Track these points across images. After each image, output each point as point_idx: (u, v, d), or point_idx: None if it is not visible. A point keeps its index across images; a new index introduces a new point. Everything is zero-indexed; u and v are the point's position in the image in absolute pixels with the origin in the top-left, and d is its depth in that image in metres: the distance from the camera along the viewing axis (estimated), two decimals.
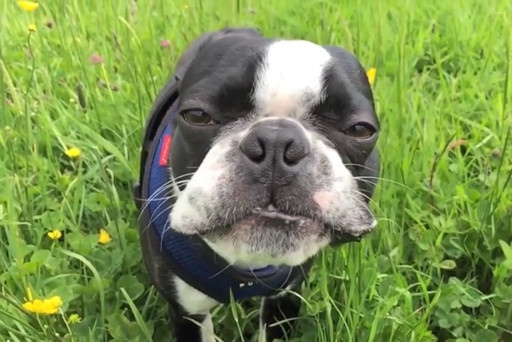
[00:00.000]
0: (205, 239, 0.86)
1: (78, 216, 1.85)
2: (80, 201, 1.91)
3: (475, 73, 3.07)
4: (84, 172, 2.04)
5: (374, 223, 0.88)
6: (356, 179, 0.86)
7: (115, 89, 2.33)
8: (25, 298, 1.34)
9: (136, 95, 2.27)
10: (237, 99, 0.86)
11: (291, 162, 0.78)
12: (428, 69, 3.16)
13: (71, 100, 2.18)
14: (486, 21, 3.60)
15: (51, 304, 1.22)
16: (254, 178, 0.77)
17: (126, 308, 1.52)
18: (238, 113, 0.86)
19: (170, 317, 1.50)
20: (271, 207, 0.77)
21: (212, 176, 0.80)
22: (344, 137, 0.89)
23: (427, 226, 1.88)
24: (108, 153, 2.11)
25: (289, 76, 0.85)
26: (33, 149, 1.70)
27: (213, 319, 1.61)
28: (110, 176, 1.86)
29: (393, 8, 4.03)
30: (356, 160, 0.90)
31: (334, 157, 0.84)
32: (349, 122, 0.88)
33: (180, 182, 0.88)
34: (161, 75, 2.81)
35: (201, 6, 3.14)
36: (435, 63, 3.14)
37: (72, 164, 2.06)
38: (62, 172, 2.13)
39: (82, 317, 1.41)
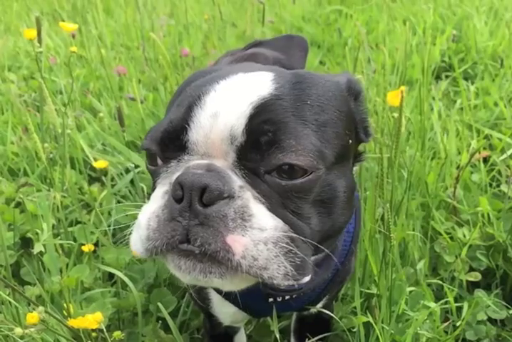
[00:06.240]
0: None
1: (109, 226, 1.89)
2: (109, 214, 1.94)
3: (493, 80, 3.07)
4: (112, 184, 2.08)
5: (305, 279, 0.89)
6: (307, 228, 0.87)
7: (141, 102, 2.36)
8: (65, 312, 1.39)
9: (161, 107, 2.31)
10: (174, 141, 0.90)
11: (207, 204, 0.82)
12: (447, 77, 3.16)
13: (100, 114, 2.22)
14: (503, 27, 3.60)
15: (94, 320, 1.25)
16: (173, 217, 0.83)
17: (160, 321, 1.56)
18: (175, 154, 0.91)
19: (204, 327, 1.53)
20: (184, 246, 0.83)
21: (146, 210, 0.88)
22: (268, 184, 0.86)
23: (451, 238, 1.90)
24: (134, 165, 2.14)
25: (222, 117, 0.86)
26: (67, 163, 1.74)
27: None
28: (143, 191, 1.89)
29: (409, 13, 4.04)
30: (291, 205, 0.87)
31: (258, 207, 0.84)
32: (272, 162, 0.85)
33: None
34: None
35: (221, 15, 3.17)
36: (452, 69, 3.15)
37: (101, 176, 2.09)
38: (89, 183, 2.17)
39: (119, 330, 1.44)
